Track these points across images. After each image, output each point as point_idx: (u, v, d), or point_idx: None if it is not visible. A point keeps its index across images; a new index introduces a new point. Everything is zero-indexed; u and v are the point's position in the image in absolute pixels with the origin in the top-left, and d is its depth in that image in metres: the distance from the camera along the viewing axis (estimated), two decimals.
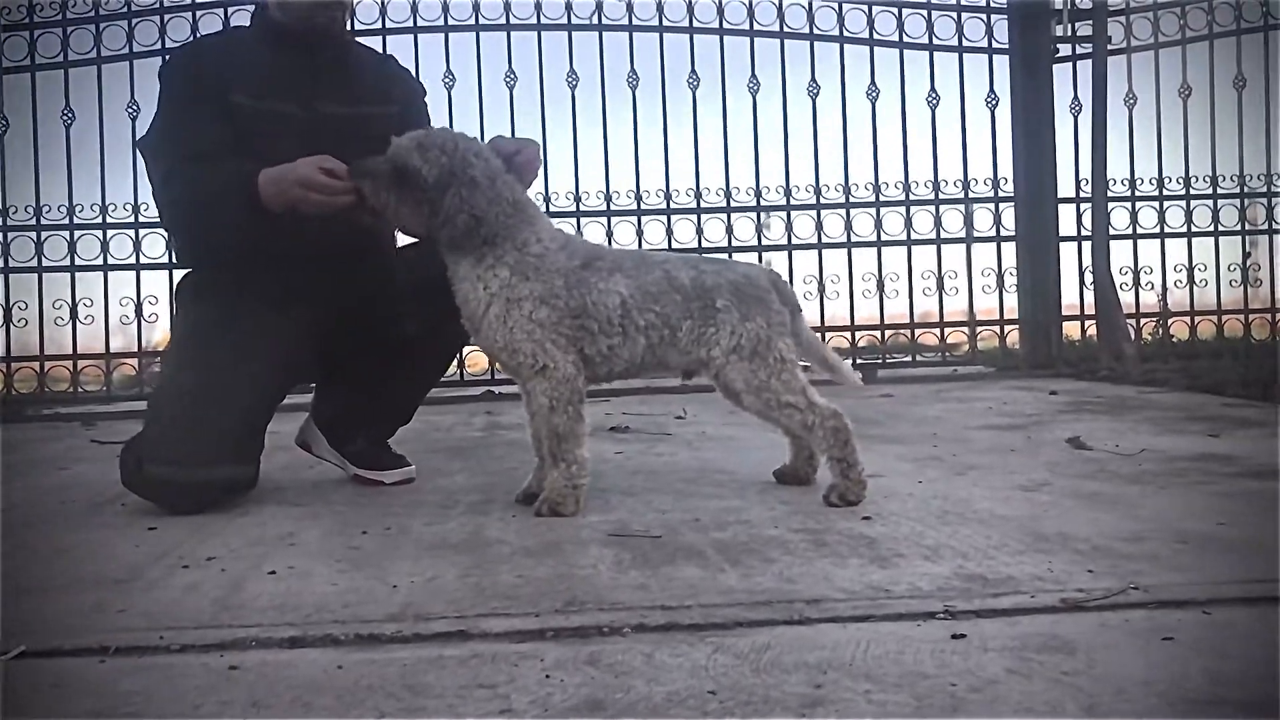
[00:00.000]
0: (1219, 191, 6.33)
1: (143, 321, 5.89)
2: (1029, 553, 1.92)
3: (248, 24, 2.88)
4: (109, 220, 5.86)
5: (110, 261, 5.91)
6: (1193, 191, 6.32)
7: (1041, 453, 3.13)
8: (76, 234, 5.90)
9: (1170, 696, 1.22)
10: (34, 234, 5.89)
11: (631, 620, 1.58)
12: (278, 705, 1.26)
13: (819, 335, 6.03)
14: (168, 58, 2.83)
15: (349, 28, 2.89)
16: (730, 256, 6.07)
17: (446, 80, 5.90)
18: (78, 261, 5.91)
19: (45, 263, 5.91)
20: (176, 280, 2.96)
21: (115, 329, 5.97)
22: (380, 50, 3.71)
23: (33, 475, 3.38)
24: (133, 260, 5.85)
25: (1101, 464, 2.87)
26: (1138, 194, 6.27)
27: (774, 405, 2.46)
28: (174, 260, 5.48)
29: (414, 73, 4.84)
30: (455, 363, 5.80)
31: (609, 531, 2.20)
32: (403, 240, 2.96)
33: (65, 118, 5.82)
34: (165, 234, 2.95)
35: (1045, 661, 1.34)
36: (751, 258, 6.13)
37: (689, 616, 1.59)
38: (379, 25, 5.86)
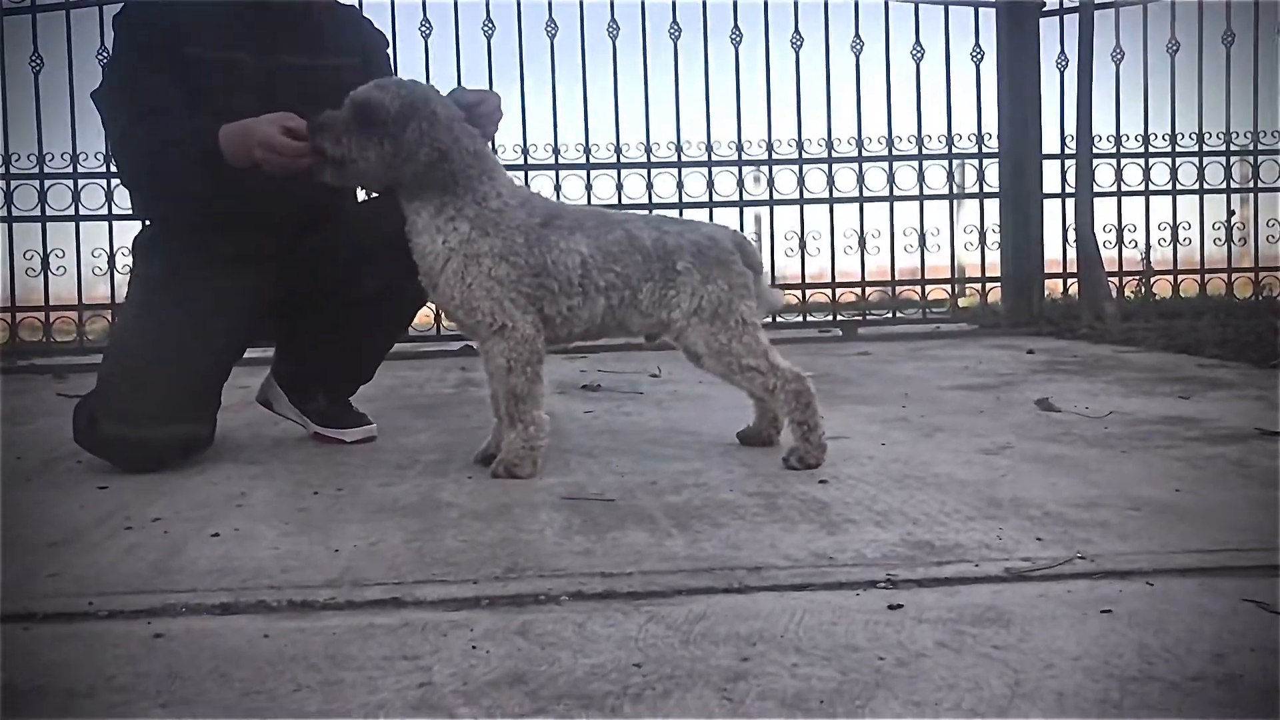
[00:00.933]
0: (1205, 149, 6.26)
1: (115, 273, 5.82)
2: (980, 519, 1.90)
3: None
4: (80, 170, 5.78)
5: (82, 212, 5.84)
6: (1179, 148, 6.26)
7: (1009, 414, 3.11)
8: (47, 184, 5.82)
9: (1098, 673, 1.20)
10: (2, 184, 5.81)
11: (570, 588, 1.56)
12: (195, 677, 1.24)
13: (797, 295, 6.09)
14: (122, 7, 2.75)
15: None
16: (711, 212, 6.03)
17: (423, 29, 5.79)
18: (49, 212, 5.83)
19: (15, 212, 5.83)
20: (133, 235, 2.91)
21: (88, 281, 5.92)
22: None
23: None
24: (105, 211, 5.77)
25: (1067, 426, 2.86)
26: (1123, 151, 6.22)
27: (735, 368, 2.43)
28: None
29: (390, 20, 4.75)
30: (433, 318, 5.79)
31: (563, 494, 2.18)
32: (363, 196, 2.93)
33: (34, 64, 5.72)
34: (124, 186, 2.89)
35: (978, 635, 1.33)
36: (733, 212, 6.09)
37: (628, 584, 1.57)
38: None
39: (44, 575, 1.67)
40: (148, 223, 2.87)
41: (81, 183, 5.79)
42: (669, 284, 2.43)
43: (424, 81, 2.39)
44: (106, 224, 5.80)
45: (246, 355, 2.91)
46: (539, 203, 2.46)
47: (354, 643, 1.35)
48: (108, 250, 5.82)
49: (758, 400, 2.62)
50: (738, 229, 5.88)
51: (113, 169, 5.68)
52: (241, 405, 3.31)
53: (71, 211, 5.83)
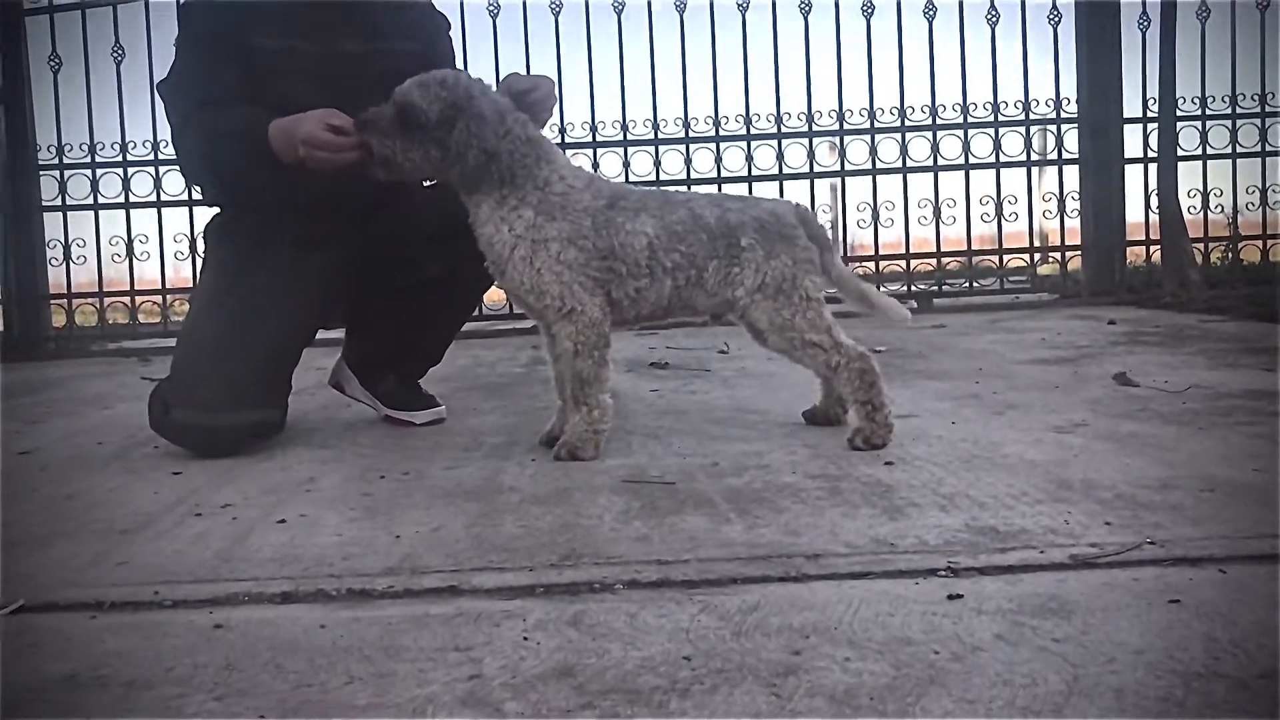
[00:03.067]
0: None
1: (196, 257, 5.94)
2: (1048, 502, 1.86)
3: None
4: (160, 157, 5.91)
5: (163, 198, 5.98)
6: (1269, 108, 6.04)
7: (1085, 389, 3.03)
8: (130, 170, 5.97)
9: (1160, 668, 1.16)
10: (89, 171, 5.97)
11: (624, 576, 1.55)
12: (250, 669, 1.26)
13: (871, 266, 6.00)
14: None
15: None
16: (781, 184, 5.98)
17: (491, 8, 5.83)
18: (132, 199, 5.98)
19: (100, 200, 5.99)
20: (202, 221, 2.96)
21: (171, 265, 6.07)
22: None
23: (71, 415, 3.45)
24: (185, 196, 5.89)
25: (1145, 402, 2.78)
26: (1209, 112, 6.02)
27: (798, 344, 2.40)
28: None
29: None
30: (506, 296, 5.82)
31: (623, 477, 2.18)
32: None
33: (115, 55, 5.85)
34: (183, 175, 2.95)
35: (1038, 627, 1.29)
36: (804, 185, 6.03)
37: (683, 572, 1.56)
38: None
39: (114, 563, 1.71)
40: (219, 209, 2.91)
41: (163, 169, 5.93)
42: (733, 261, 2.41)
43: (468, 74, 2.37)
44: (187, 209, 5.93)
45: (324, 336, 2.96)
46: (602, 185, 2.45)
47: (408, 633, 1.36)
48: (189, 235, 5.95)
49: (823, 378, 2.58)
50: (808, 202, 5.87)
51: None
52: (316, 388, 3.37)
53: (154, 198, 5.97)
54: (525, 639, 1.32)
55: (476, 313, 5.09)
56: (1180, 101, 5.88)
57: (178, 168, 3.10)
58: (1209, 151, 6.04)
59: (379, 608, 1.48)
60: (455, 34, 3.05)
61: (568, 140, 5.88)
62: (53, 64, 5.92)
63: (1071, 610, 1.35)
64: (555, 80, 2.51)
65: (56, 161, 5.99)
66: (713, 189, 5.83)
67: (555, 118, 5.61)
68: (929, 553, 1.61)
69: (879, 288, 6.06)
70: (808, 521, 1.80)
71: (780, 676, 1.18)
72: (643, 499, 2.00)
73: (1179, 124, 5.87)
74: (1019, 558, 1.57)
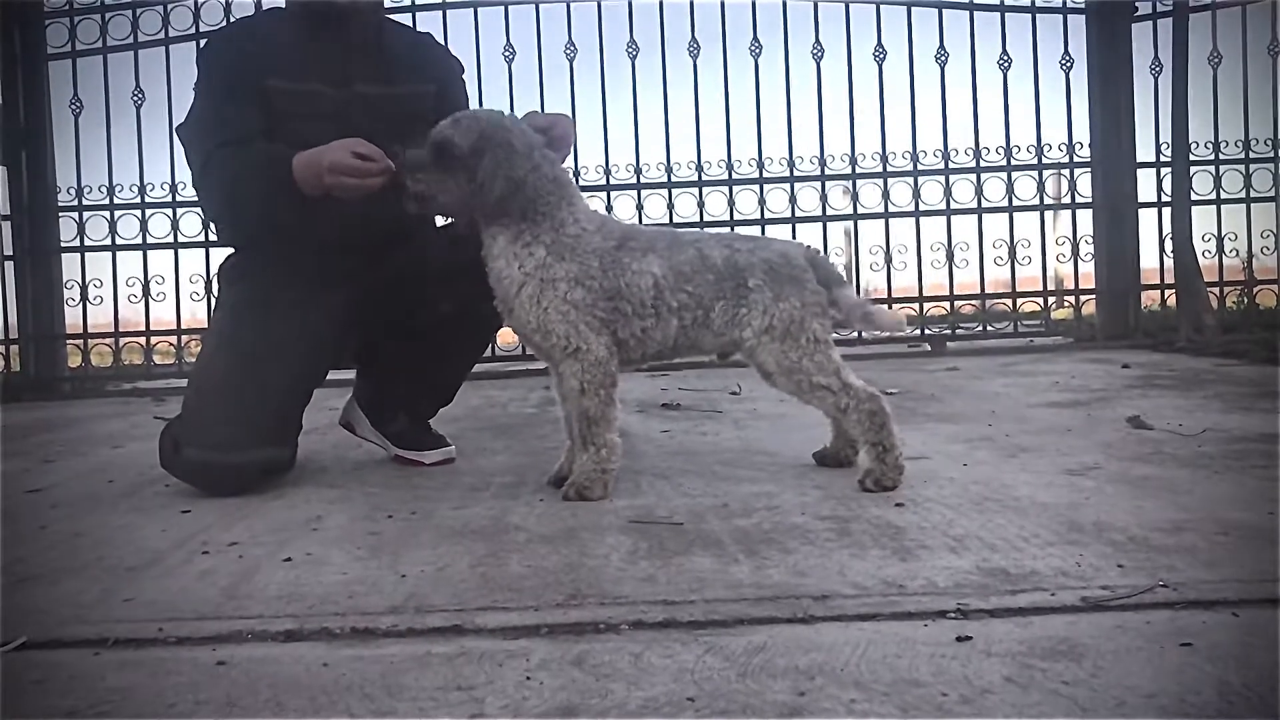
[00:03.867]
0: None
1: (212, 297, 5.96)
2: (1060, 545, 1.84)
3: (282, 5, 2.87)
4: (178, 199, 5.97)
5: (180, 240, 6.03)
6: None
7: (1098, 432, 3.01)
8: (148, 212, 6.02)
9: (1171, 711, 1.14)
10: (108, 213, 6.03)
11: (630, 616, 1.54)
12: (252, 705, 1.25)
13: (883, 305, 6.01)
14: (204, 43, 2.83)
15: (381, 6, 2.86)
16: (794, 227, 6.00)
17: (506, 54, 5.90)
18: (149, 240, 6.03)
19: (118, 240, 6.04)
20: (217, 262, 2.99)
21: (186, 305, 6.11)
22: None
23: (84, 454, 3.46)
24: (202, 238, 5.94)
25: (1159, 445, 2.76)
26: (1222, 157, 6.02)
27: (806, 387, 2.40)
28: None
29: (475, 43, 4.80)
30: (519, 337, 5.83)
31: (631, 518, 2.16)
32: (440, 222, 2.96)
33: (135, 99, 5.93)
34: (202, 217, 3.00)
35: (1048, 669, 1.28)
36: (816, 228, 6.04)
37: (689, 613, 1.55)
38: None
39: (119, 600, 1.71)
40: (234, 250, 2.93)
41: (180, 211, 5.99)
42: (741, 302, 2.41)
43: (502, 112, 2.40)
44: (204, 250, 5.97)
45: (337, 376, 2.97)
46: (613, 226, 2.46)
47: (411, 672, 1.35)
48: (205, 275, 5.99)
49: (834, 420, 2.57)
50: (820, 245, 5.88)
51: None
52: (328, 427, 3.37)
53: (171, 239, 6.02)
54: (528, 679, 1.31)
55: (489, 353, 5.11)
56: (1193, 146, 5.88)
57: (198, 208, 3.16)
58: (1223, 195, 6.04)
59: (382, 646, 1.47)
60: (470, 78, 3.08)
61: (582, 183, 5.91)
62: (74, 107, 6.00)
63: (1082, 653, 1.33)
64: (572, 119, 2.52)
65: (76, 203, 6.06)
66: (725, 232, 5.86)
67: (570, 160, 5.69)
68: (938, 594, 1.60)
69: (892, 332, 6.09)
70: (816, 563, 1.78)
71: (785, 718, 1.16)
72: (650, 539, 1.98)
73: (1192, 168, 5.88)
74: (1029, 600, 1.56)
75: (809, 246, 2.58)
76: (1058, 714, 1.15)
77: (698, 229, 5.50)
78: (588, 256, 2.34)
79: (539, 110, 2.56)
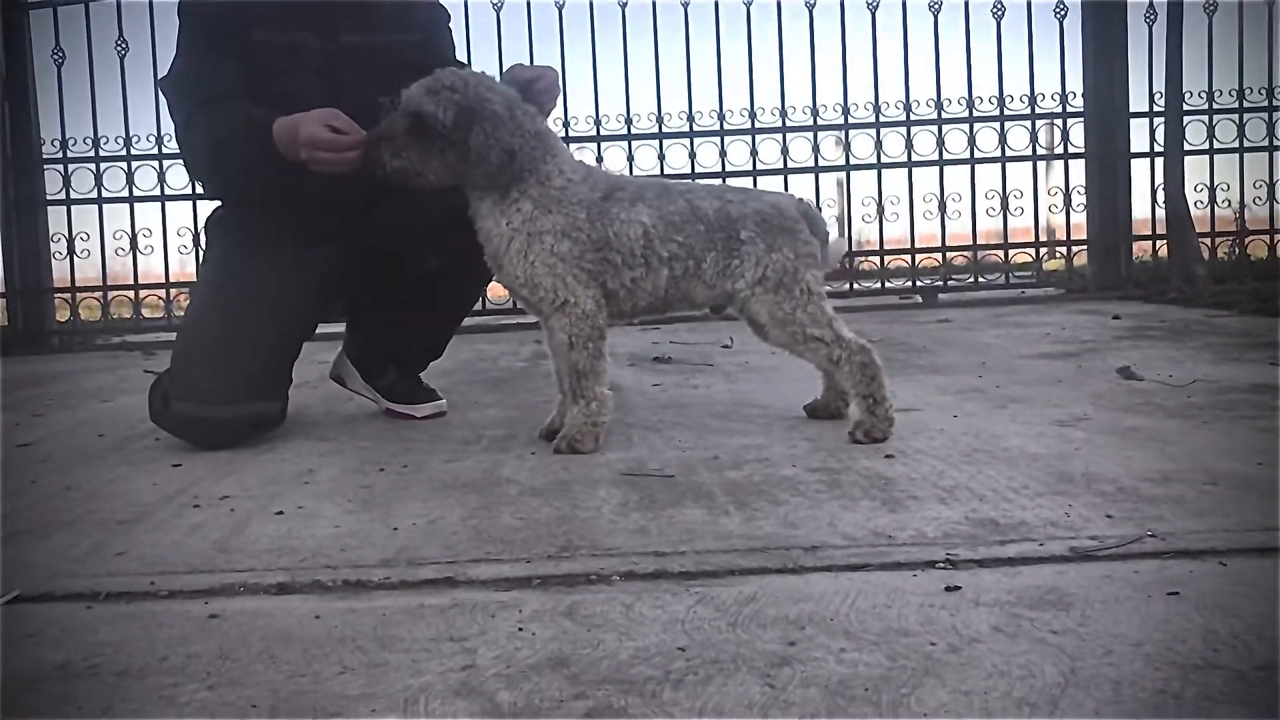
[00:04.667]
0: None
1: (200, 250, 5.94)
2: (1048, 495, 1.85)
3: None
4: (165, 151, 5.91)
5: (167, 192, 5.97)
6: (1276, 102, 6.01)
7: (1088, 384, 3.02)
8: (134, 164, 5.97)
9: (1158, 660, 1.15)
10: (93, 165, 5.97)
11: (621, 568, 1.55)
12: (244, 659, 1.25)
13: (876, 260, 6.00)
14: None
15: None
16: (786, 178, 5.97)
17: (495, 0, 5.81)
18: (136, 192, 5.98)
19: (104, 194, 5.99)
20: (205, 215, 2.96)
21: (175, 259, 6.07)
22: None
23: (73, 407, 3.45)
24: (189, 190, 5.88)
25: (1148, 396, 2.76)
26: (1216, 106, 5.98)
27: (799, 339, 2.39)
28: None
29: None
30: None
31: (623, 470, 2.17)
32: None
33: (119, 48, 5.85)
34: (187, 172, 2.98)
35: (1036, 619, 1.28)
36: (808, 179, 6.01)
37: (680, 564, 1.55)
38: None
39: (111, 554, 1.71)
40: (221, 203, 2.90)
41: (166, 163, 5.93)
42: (732, 254, 2.39)
43: (471, 70, 2.35)
44: (191, 203, 5.92)
45: (327, 330, 2.96)
46: (600, 176, 2.43)
47: (403, 624, 1.35)
48: (193, 229, 5.95)
49: (825, 372, 2.57)
50: (812, 196, 5.86)
51: None
52: (318, 381, 3.37)
53: (158, 192, 5.97)
54: (520, 630, 1.32)
55: (480, 307, 5.10)
56: (1187, 95, 5.85)
57: (182, 163, 3.13)
58: (1215, 146, 6.01)
59: (374, 599, 1.47)
60: (459, 28, 3.04)
61: (571, 134, 5.87)
62: (56, 58, 5.91)
63: (1070, 602, 1.34)
64: (559, 71, 2.49)
65: (60, 155, 5.99)
66: (717, 183, 5.83)
67: (560, 111, 5.64)
68: (927, 545, 1.61)
69: (883, 283, 6.09)
70: (806, 514, 1.79)
71: (775, 667, 1.17)
72: (641, 491, 1.99)
73: (1185, 118, 5.85)
74: (1018, 550, 1.57)
75: (801, 199, 2.57)
76: (1045, 662, 1.16)
77: (688, 180, 5.47)
78: (574, 208, 2.32)
79: (525, 63, 2.52)
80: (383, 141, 2.28)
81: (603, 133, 5.94)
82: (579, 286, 2.33)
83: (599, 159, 5.90)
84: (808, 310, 2.39)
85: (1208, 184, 6.03)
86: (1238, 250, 6.07)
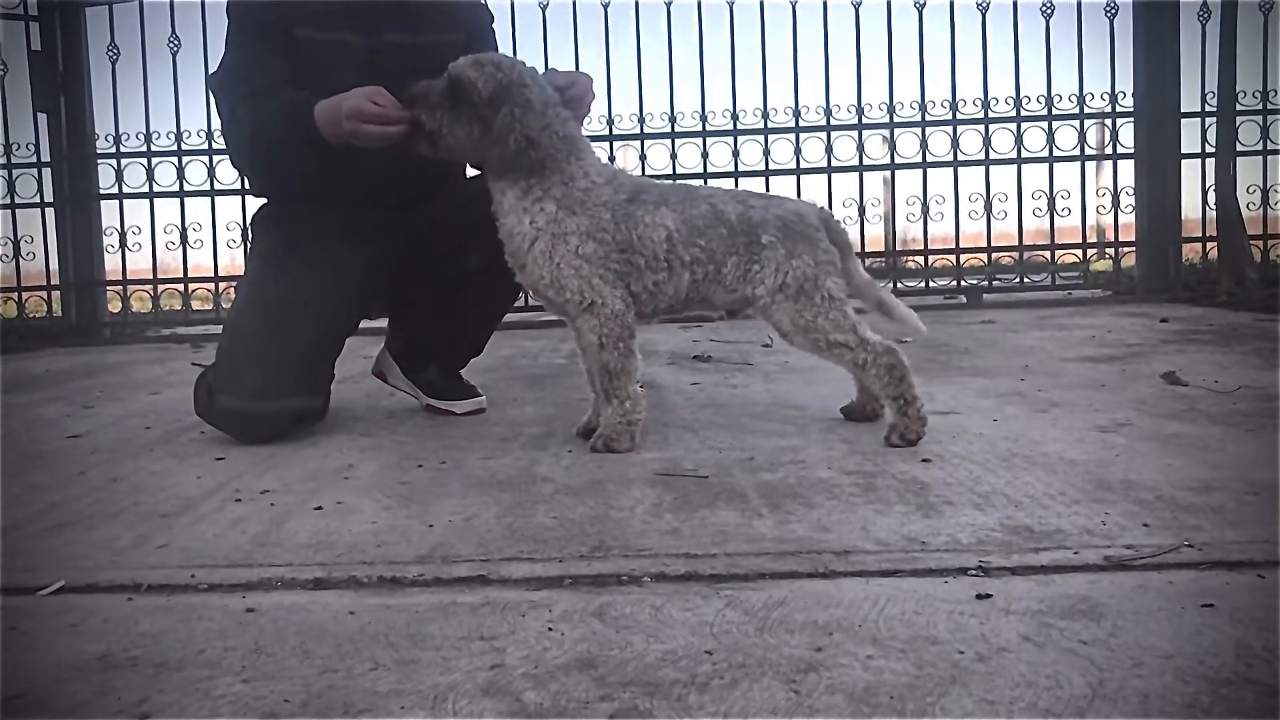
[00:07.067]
0: None
1: (248, 245, 6.01)
2: (1086, 502, 1.83)
3: None
4: (214, 146, 6.00)
5: (217, 187, 6.06)
6: None
7: (1131, 388, 2.98)
8: (185, 160, 6.06)
9: (1189, 674, 1.14)
10: (145, 160, 6.07)
11: (653, 569, 1.56)
12: (279, 653, 1.28)
13: (921, 260, 5.95)
14: None
15: None
16: (829, 177, 5.95)
17: (541, 1, 5.84)
18: (186, 187, 6.07)
19: (155, 188, 6.09)
20: (253, 210, 3.01)
21: (224, 253, 6.17)
22: None
23: (123, 399, 3.52)
24: (238, 185, 5.96)
25: (1193, 402, 2.73)
26: (1270, 107, 5.88)
27: (823, 345, 2.39)
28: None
29: None
30: None
31: (658, 470, 2.18)
32: (471, 173, 2.95)
33: (172, 45, 5.94)
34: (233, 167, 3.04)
35: (1066, 628, 1.28)
36: (852, 178, 5.99)
37: (711, 566, 1.56)
38: None
39: (154, 546, 1.74)
40: (267, 200, 2.94)
41: (216, 158, 6.02)
42: (753, 259, 2.39)
43: (524, 62, 2.39)
44: (240, 198, 6.00)
45: (370, 325, 2.99)
46: (625, 179, 2.44)
47: (435, 621, 1.37)
48: (241, 223, 6.03)
49: (855, 375, 2.56)
50: (856, 195, 5.84)
51: None
52: (360, 376, 3.41)
53: (207, 186, 6.06)
54: (550, 629, 1.33)
55: (521, 303, 5.12)
56: (1240, 95, 5.76)
57: (228, 158, 3.19)
58: (1270, 147, 5.91)
59: (408, 595, 1.49)
60: (504, 28, 3.06)
61: (615, 131, 5.89)
62: (111, 54, 6.02)
63: (1102, 612, 1.33)
64: (593, 77, 2.50)
65: (114, 150, 6.11)
66: (760, 183, 5.81)
67: (602, 109, 5.66)
68: (960, 551, 1.60)
69: (927, 283, 6.04)
70: (840, 518, 1.79)
71: (801, 673, 1.18)
72: (675, 492, 2.00)
73: (1238, 118, 5.76)
74: (1051, 558, 1.55)
75: (822, 208, 2.57)
76: (1073, 673, 1.15)
77: (709, 185, 5.47)
78: (599, 210, 2.33)
79: (553, 68, 2.54)
80: (419, 99, 2.32)
81: (646, 130, 5.95)
82: (605, 287, 2.34)
83: (611, 158, 5.91)
84: (830, 317, 2.38)
85: (1260, 185, 5.93)
86: None
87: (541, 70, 2.43)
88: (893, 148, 6.02)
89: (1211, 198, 5.84)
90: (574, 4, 5.84)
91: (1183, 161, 5.93)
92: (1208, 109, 5.84)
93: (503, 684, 1.17)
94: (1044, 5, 5.84)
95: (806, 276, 2.37)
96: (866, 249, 6.13)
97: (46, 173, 6.12)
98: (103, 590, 1.54)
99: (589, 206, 2.31)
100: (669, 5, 5.87)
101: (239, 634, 1.35)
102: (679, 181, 5.19)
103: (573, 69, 2.51)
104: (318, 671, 1.22)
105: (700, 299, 2.45)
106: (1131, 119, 5.96)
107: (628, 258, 2.34)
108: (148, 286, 6.22)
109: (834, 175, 6.00)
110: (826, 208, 2.56)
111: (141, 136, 6.06)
